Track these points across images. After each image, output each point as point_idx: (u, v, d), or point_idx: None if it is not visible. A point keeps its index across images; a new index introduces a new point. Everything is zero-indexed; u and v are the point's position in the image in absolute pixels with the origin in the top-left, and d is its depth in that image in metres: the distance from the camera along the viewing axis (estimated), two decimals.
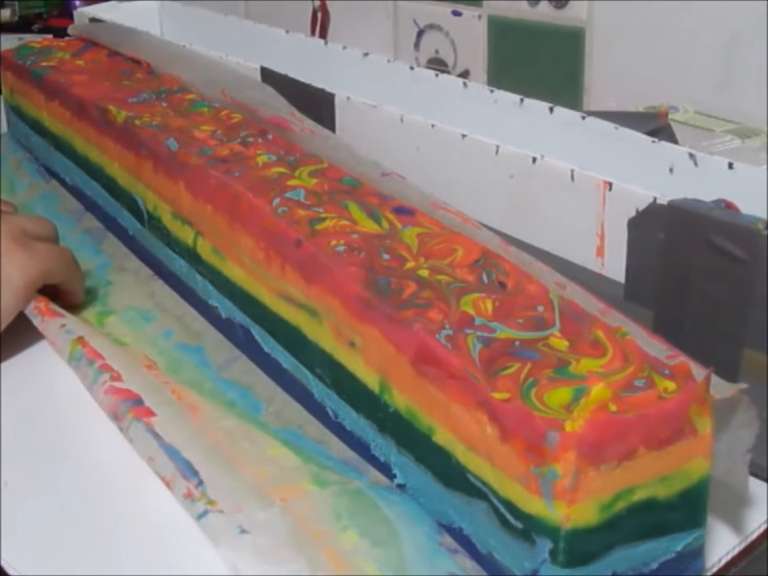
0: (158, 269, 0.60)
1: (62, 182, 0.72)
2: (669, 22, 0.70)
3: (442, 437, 0.37)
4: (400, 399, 0.40)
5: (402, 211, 0.48)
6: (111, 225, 0.65)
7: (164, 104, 0.63)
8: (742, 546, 0.41)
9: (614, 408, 0.34)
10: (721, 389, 0.37)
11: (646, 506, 0.34)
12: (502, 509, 0.35)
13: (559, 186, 0.49)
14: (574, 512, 0.33)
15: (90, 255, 0.64)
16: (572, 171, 0.49)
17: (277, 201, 0.48)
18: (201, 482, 0.41)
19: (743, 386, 0.37)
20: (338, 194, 0.49)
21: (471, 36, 0.83)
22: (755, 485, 0.42)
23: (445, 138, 0.56)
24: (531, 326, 0.39)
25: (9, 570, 0.39)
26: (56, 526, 0.42)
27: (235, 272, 0.50)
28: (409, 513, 0.39)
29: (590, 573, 0.34)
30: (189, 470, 0.41)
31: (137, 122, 0.60)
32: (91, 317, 0.57)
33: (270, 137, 0.57)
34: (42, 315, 0.53)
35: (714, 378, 0.36)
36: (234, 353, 0.52)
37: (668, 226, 0.44)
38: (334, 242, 0.45)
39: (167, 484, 0.42)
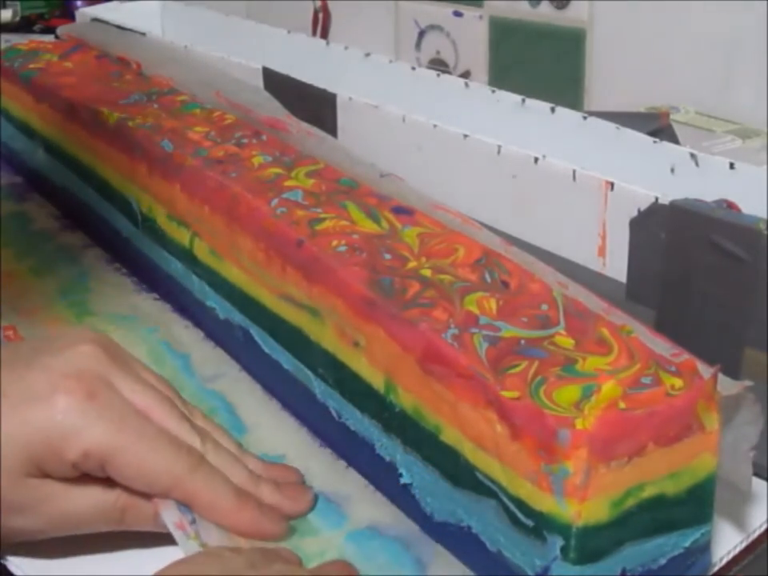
0: (153, 271, 0.59)
1: (51, 185, 0.72)
2: (670, 23, 0.70)
3: (450, 435, 0.37)
4: (406, 398, 0.39)
5: (401, 211, 0.47)
6: (103, 227, 0.65)
7: (155, 105, 0.62)
8: (744, 544, 0.41)
9: (622, 405, 0.34)
10: (726, 386, 0.37)
11: (655, 503, 0.34)
12: (513, 507, 0.35)
13: (561, 186, 0.49)
14: (586, 509, 0.33)
15: (68, 267, 0.62)
16: (574, 171, 0.49)
17: (275, 201, 0.48)
18: (194, 520, 0.39)
19: (748, 383, 0.37)
20: (336, 195, 0.49)
21: (472, 36, 0.84)
22: (757, 484, 0.42)
23: (446, 138, 0.55)
24: (536, 325, 0.39)
25: (14, 570, 0.39)
26: None
27: (233, 273, 0.50)
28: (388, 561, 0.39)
29: (601, 570, 0.34)
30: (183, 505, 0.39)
31: (130, 123, 0.59)
32: (71, 316, 0.56)
33: (264, 138, 0.56)
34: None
35: (719, 376, 0.36)
36: (222, 368, 0.52)
37: (670, 226, 0.45)
38: (335, 243, 0.45)
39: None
